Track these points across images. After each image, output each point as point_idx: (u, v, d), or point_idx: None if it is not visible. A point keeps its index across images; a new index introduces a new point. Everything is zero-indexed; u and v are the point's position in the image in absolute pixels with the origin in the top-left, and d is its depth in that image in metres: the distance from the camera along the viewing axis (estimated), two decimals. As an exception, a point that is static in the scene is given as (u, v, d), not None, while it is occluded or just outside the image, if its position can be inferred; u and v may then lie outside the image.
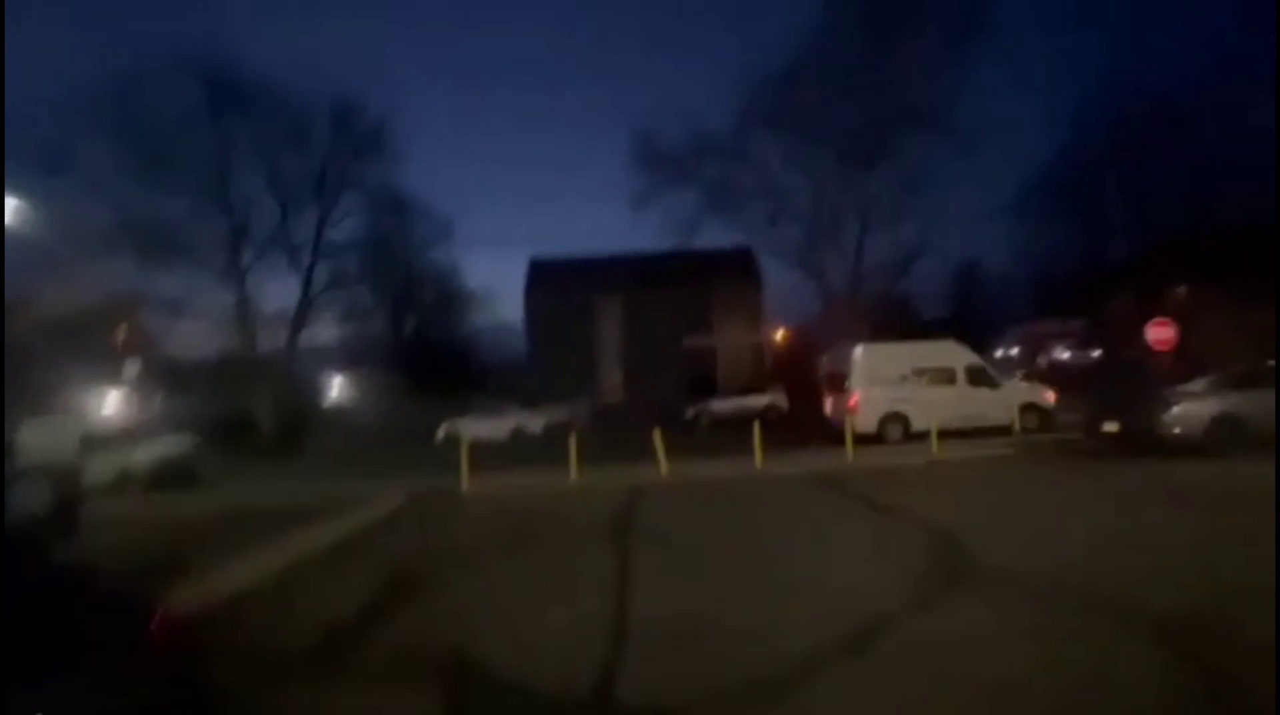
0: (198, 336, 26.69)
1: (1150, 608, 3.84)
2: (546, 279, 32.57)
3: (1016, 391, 14.13)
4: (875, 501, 7.82)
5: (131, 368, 35.34)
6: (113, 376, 32.36)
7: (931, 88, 22.19)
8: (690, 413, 22.95)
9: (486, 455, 14.19)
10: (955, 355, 14.34)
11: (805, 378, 32.30)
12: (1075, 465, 9.68)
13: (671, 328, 30.86)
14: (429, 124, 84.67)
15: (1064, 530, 6.02)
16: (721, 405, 23.10)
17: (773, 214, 25.40)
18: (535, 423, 22.62)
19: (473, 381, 33.20)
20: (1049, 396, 13.95)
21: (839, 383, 15.24)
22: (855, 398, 13.96)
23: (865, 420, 13.66)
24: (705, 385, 28.52)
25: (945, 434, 12.10)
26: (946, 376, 13.99)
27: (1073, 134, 29.50)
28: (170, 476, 14.59)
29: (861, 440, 12.63)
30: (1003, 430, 13.22)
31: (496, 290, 60.71)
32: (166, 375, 33.49)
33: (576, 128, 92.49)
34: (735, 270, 31.19)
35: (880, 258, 25.93)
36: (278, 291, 25.75)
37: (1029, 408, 13.67)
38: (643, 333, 31.02)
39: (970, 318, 39.49)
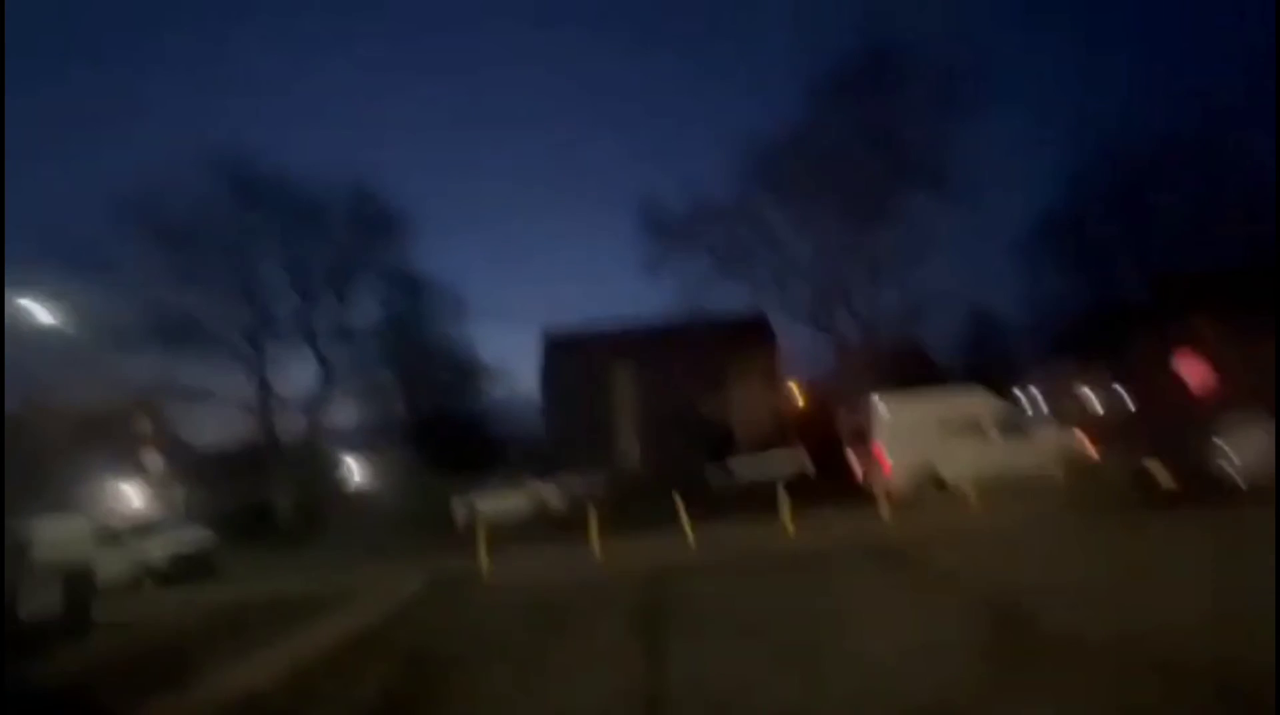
0: (218, 424, 26.98)
1: (1248, 676, 3.43)
2: (561, 350, 32.81)
3: (1052, 439, 13.58)
4: (926, 571, 7.34)
5: (153, 460, 35.73)
6: (134, 469, 32.64)
7: (929, 144, 22.72)
8: (711, 476, 22.38)
9: (505, 531, 13.80)
10: (981, 403, 13.92)
11: (826, 433, 31.82)
12: (1131, 518, 9.01)
13: (688, 392, 30.68)
14: (439, 200, 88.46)
15: (1141, 595, 5.50)
16: (743, 467, 22.52)
17: (780, 274, 25.61)
18: (554, 495, 22.17)
19: (490, 456, 32.89)
20: (1087, 444, 13.38)
21: (862, 437, 14.81)
22: (882, 453, 13.51)
23: (894, 476, 13.17)
24: (723, 447, 28.02)
25: (980, 488, 11.57)
26: (975, 426, 13.52)
27: (1076, 173, 29.85)
28: (186, 569, 14.37)
29: (893, 497, 12.12)
30: (1041, 481, 12.64)
31: (511, 363, 61.30)
32: (187, 465, 33.72)
33: (584, 199, 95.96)
34: (749, 330, 31.22)
35: (892, 310, 25.86)
36: (297, 375, 26.08)
37: (1067, 456, 13.09)
38: (659, 399, 30.82)
39: (985, 363, 38.93)
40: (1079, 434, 13.62)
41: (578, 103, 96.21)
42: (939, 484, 13.31)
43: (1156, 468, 9.50)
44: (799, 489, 13.62)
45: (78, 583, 8.46)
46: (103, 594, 12.42)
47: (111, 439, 26.89)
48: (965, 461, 12.71)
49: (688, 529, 10.67)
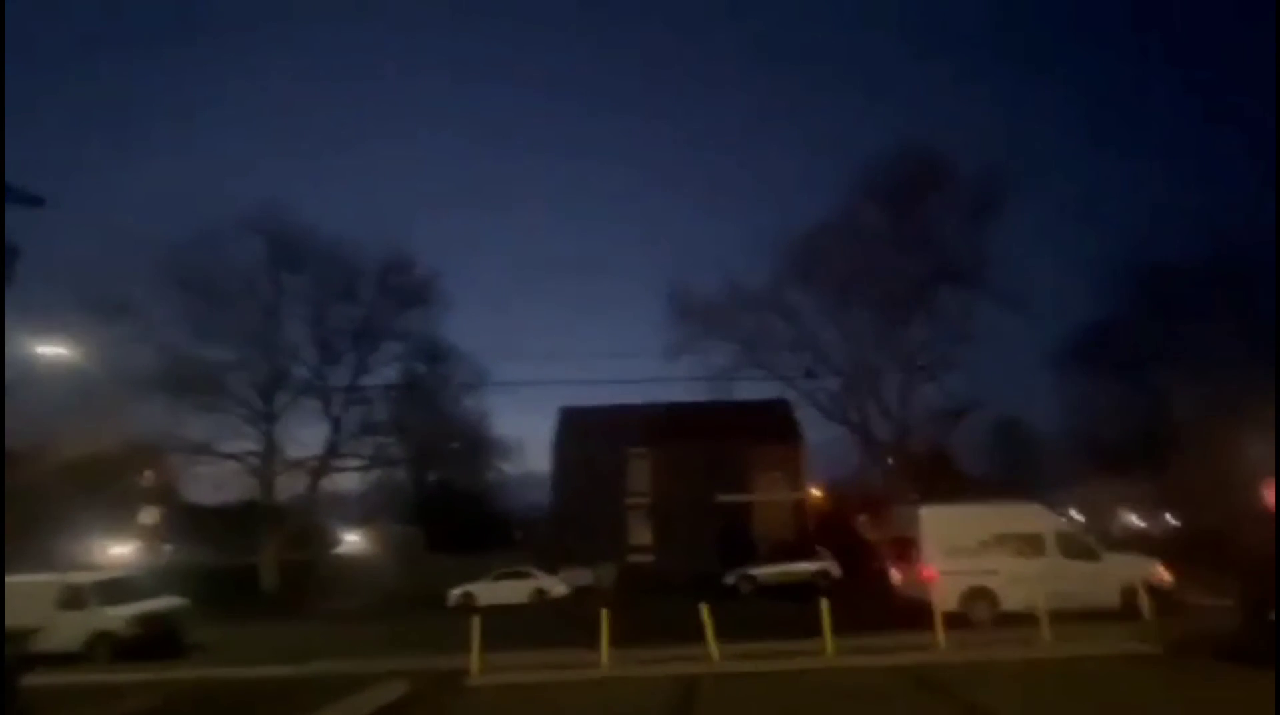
0: (218, 480, 25.85)
1: None
2: (576, 428, 31.78)
3: (1123, 566, 12.04)
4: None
5: (148, 515, 34.44)
6: (126, 523, 31.36)
7: (963, 246, 22.54)
8: (731, 579, 20.57)
9: (503, 625, 12.35)
10: (1040, 520, 12.54)
11: (850, 539, 29.73)
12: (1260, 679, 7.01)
13: (705, 483, 29.19)
14: (466, 273, 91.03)
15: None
16: (766, 571, 20.71)
17: (809, 367, 24.84)
18: (557, 586, 20.50)
19: (495, 534, 31.30)
20: (1163, 574, 11.84)
21: (905, 549, 13.40)
22: (929, 569, 12.07)
23: (944, 595, 11.65)
24: (741, 545, 26.25)
25: (1042, 614, 10.10)
26: (1034, 545, 12.13)
27: (1116, 290, 29.06)
28: (149, 639, 12.92)
29: (943, 618, 10.61)
30: (1109, 613, 11.10)
31: (526, 439, 59.99)
32: (176, 521, 32.37)
33: (611, 280, 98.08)
34: (772, 423, 30.08)
35: (924, 412, 24.78)
36: (306, 436, 25.24)
37: (1140, 587, 11.50)
38: (675, 487, 29.33)
39: (1017, 476, 36.79)
40: (1154, 563, 12.08)
41: (612, 184, 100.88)
42: (992, 605, 11.83)
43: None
44: (830, 599, 12.09)
45: (8, 653, 7.32)
46: (50, 662, 11.22)
47: (105, 486, 25.93)
48: (1024, 583, 11.33)
49: (712, 642, 9.24)
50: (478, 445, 35.52)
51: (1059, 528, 12.52)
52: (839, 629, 9.87)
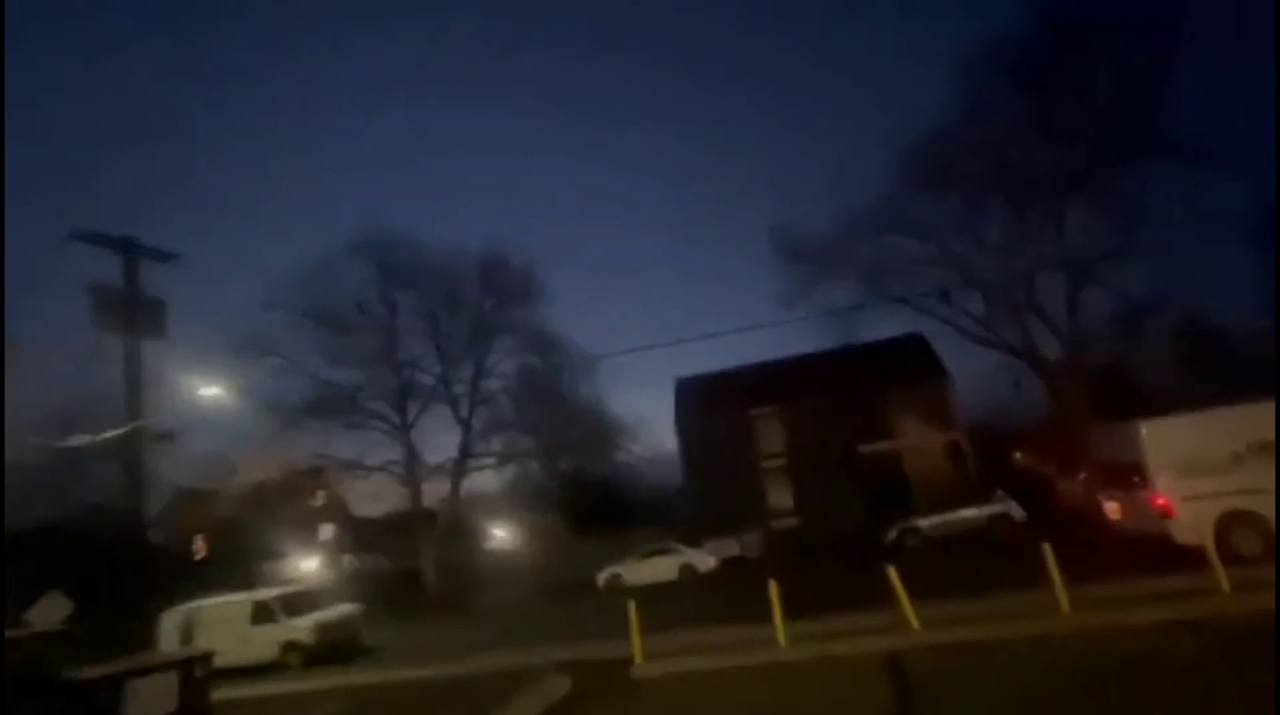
0: (375, 493, 27.63)
1: None
2: (696, 397, 30.76)
3: None
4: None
5: (325, 531, 38.13)
6: (309, 541, 34.81)
7: (1135, 106, 18.39)
8: (893, 534, 18.67)
9: (656, 604, 11.62)
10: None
11: (1019, 477, 26.38)
12: None
13: (843, 435, 27.05)
14: (569, 260, 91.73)
15: None
16: (933, 521, 18.58)
17: (945, 287, 21.84)
18: (704, 560, 19.69)
19: (633, 516, 31.21)
20: None
21: (1119, 477, 11.06)
22: (1163, 495, 9.77)
23: (1191, 526, 9.37)
24: (894, 497, 24.03)
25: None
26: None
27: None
28: (332, 648, 13.67)
29: (1179, 555, 8.40)
30: None
31: (653, 417, 59.96)
32: (354, 535, 35.40)
33: (716, 236, 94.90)
34: (909, 361, 27.28)
35: (1098, 320, 20.98)
36: (442, 442, 26.26)
37: None
38: (810, 444, 27.48)
39: (1208, 387, 30.85)
40: None
41: (706, 123, 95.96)
42: (1261, 533, 9.37)
43: None
44: (1020, 545, 10.03)
45: (195, 676, 7.50)
46: (252, 674, 12.07)
47: (283, 509, 28.59)
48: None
49: (907, 606, 7.80)
50: (600, 429, 35.57)
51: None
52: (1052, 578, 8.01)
